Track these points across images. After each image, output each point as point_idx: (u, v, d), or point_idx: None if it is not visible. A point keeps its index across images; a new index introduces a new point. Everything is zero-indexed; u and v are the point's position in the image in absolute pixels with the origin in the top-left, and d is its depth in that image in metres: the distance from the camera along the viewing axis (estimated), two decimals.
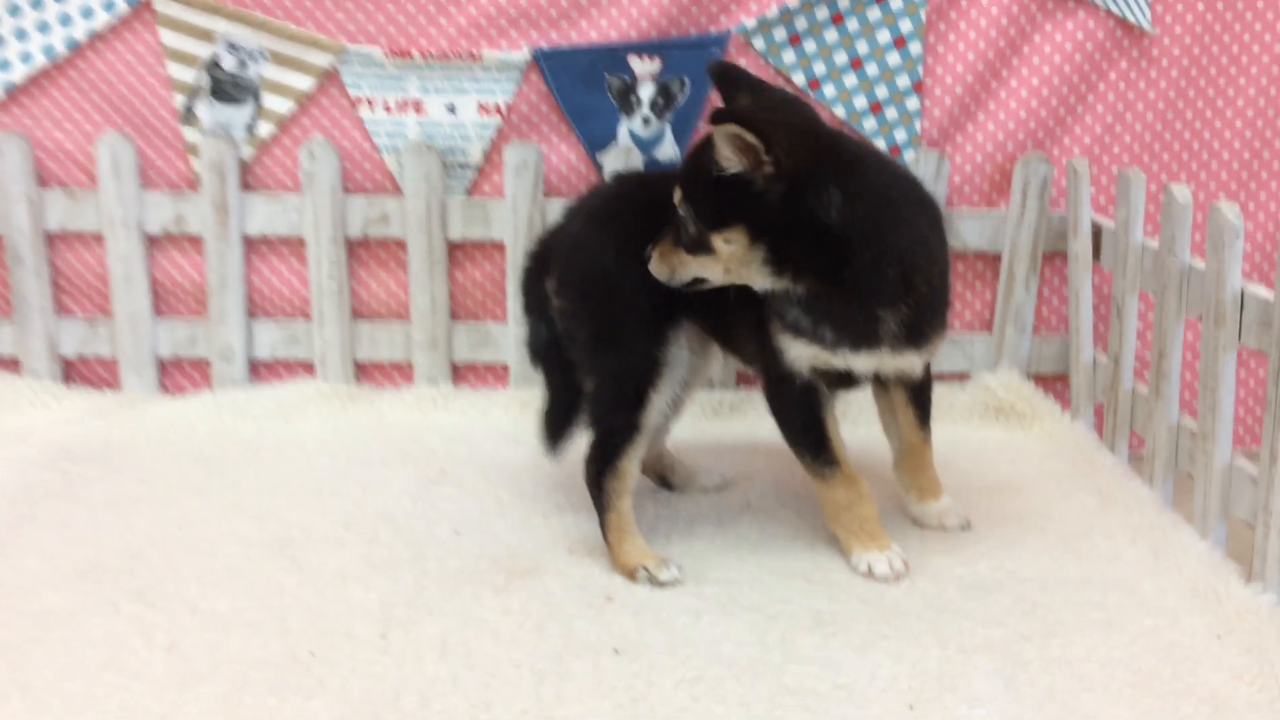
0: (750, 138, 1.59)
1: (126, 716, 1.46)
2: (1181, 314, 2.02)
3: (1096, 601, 1.77)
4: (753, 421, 2.47)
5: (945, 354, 2.60)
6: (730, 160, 1.62)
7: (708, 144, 1.65)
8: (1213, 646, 1.64)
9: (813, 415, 1.82)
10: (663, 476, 2.15)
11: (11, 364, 2.59)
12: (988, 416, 2.54)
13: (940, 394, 2.55)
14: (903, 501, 2.05)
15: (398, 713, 1.48)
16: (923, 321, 1.74)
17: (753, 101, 1.81)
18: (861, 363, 1.76)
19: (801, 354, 1.77)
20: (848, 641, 1.64)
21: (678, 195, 1.74)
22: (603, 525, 1.86)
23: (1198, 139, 2.50)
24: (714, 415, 2.57)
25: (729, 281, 1.75)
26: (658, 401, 1.85)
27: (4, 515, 2.03)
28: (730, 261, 1.71)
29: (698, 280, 1.76)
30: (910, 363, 1.80)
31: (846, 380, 1.82)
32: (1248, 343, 1.81)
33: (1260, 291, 1.79)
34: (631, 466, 1.85)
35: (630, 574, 1.80)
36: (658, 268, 1.78)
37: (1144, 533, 1.97)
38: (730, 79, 1.87)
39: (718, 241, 1.69)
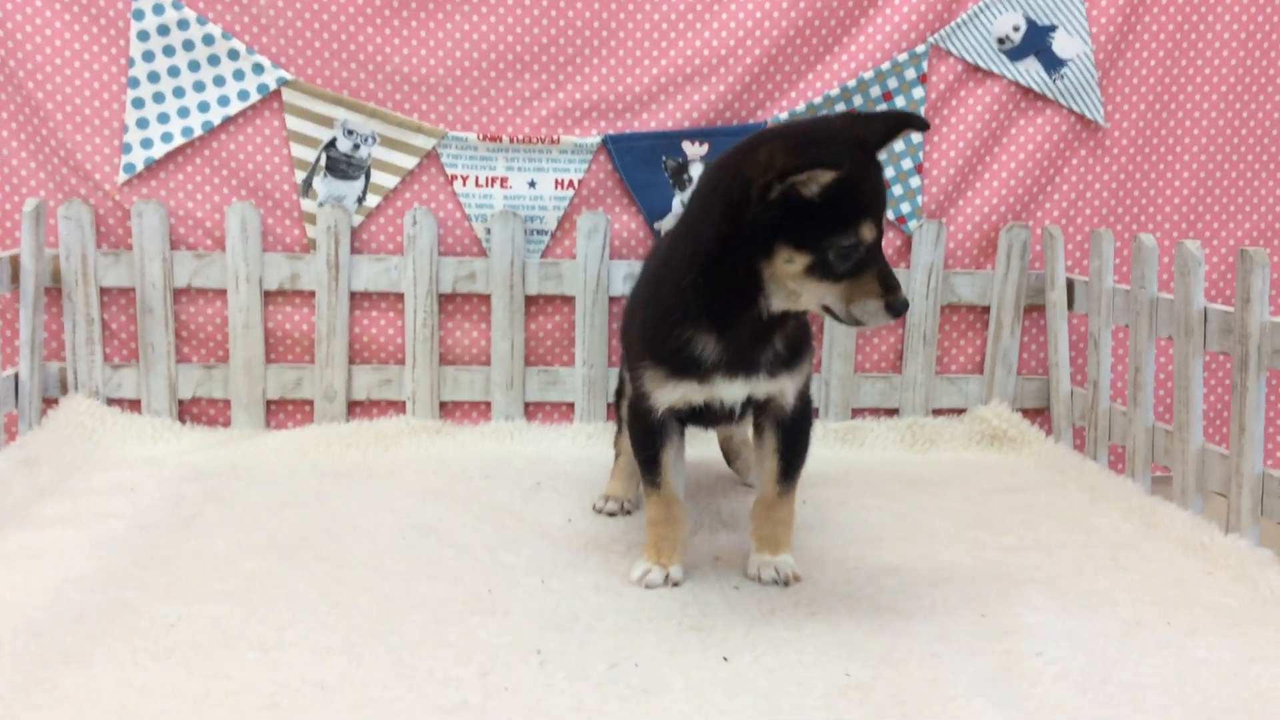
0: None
1: (354, 634, 1.78)
2: (1152, 336, 2.52)
3: (1105, 555, 2.21)
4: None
5: (944, 391, 3.07)
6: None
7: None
8: (1205, 579, 2.08)
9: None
10: (728, 457, 2.65)
11: (133, 404, 2.91)
12: (983, 442, 3.00)
13: (940, 425, 3.04)
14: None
15: (557, 629, 1.84)
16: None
17: None
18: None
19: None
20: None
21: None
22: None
23: (1144, 212, 3.06)
24: None
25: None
26: None
27: (175, 515, 2.32)
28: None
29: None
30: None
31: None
32: (1211, 348, 2.31)
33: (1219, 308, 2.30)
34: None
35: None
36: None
37: (1134, 513, 2.44)
38: None
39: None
